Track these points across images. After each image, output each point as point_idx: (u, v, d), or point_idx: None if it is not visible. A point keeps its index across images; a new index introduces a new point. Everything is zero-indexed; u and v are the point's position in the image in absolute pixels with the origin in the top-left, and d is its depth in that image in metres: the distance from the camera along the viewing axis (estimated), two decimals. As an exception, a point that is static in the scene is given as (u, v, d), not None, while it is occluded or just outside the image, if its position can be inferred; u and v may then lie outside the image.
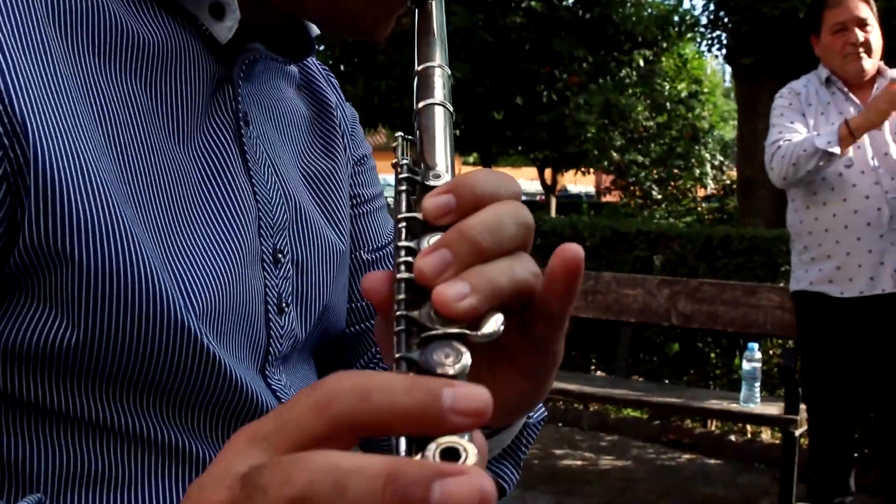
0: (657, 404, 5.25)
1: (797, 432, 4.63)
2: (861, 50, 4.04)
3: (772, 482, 5.31)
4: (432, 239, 0.59)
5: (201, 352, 0.77)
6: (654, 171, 11.00)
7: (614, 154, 10.75)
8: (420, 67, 0.73)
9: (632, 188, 11.04)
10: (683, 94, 13.09)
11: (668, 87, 12.38)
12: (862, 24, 4.03)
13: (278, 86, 0.99)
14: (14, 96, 0.67)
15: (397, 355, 0.55)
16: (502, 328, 0.58)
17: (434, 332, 0.55)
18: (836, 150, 3.84)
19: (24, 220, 0.68)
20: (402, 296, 0.58)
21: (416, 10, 0.79)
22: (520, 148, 17.99)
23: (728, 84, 15.23)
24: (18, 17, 0.70)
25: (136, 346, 0.73)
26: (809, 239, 4.13)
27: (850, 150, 3.91)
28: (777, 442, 5.62)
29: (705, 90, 14.89)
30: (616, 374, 6.22)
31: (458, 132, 15.81)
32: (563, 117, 12.63)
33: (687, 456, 6.10)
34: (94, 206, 0.70)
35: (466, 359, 0.54)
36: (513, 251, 0.60)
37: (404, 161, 0.66)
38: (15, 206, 0.68)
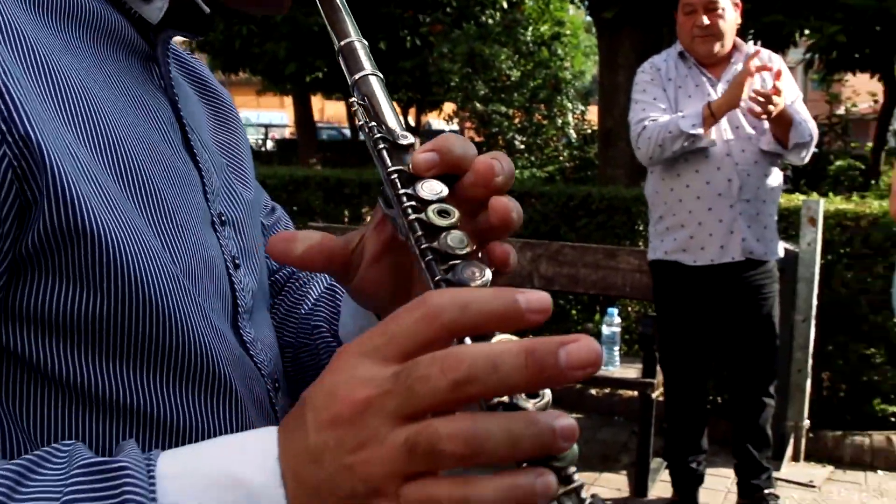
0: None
1: (654, 394, 4.81)
2: (706, 33, 4.13)
3: (630, 437, 5.51)
4: (424, 184, 0.75)
5: (192, 309, 0.82)
6: (517, 121, 11.07)
7: (478, 105, 10.76)
8: (343, 43, 0.87)
9: (496, 138, 11.09)
10: (546, 36, 13.15)
11: (530, 30, 12.39)
12: (710, 7, 4.11)
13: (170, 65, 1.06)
14: (5, 84, 0.69)
15: (437, 278, 0.69)
16: None
17: (461, 253, 0.70)
18: (701, 131, 3.95)
19: (39, 203, 0.70)
20: (419, 232, 0.72)
21: None
22: (384, 90, 17.81)
23: (590, 18, 15.42)
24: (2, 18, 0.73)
25: (146, 307, 0.77)
26: (664, 209, 4.25)
27: None
28: (636, 394, 5.81)
29: (567, 32, 14.99)
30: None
31: (321, 75, 15.72)
32: (426, 64, 12.57)
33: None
34: (86, 185, 0.73)
35: (488, 273, 0.69)
36: None
37: (372, 124, 0.81)
38: (24, 189, 0.70)
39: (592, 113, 11.82)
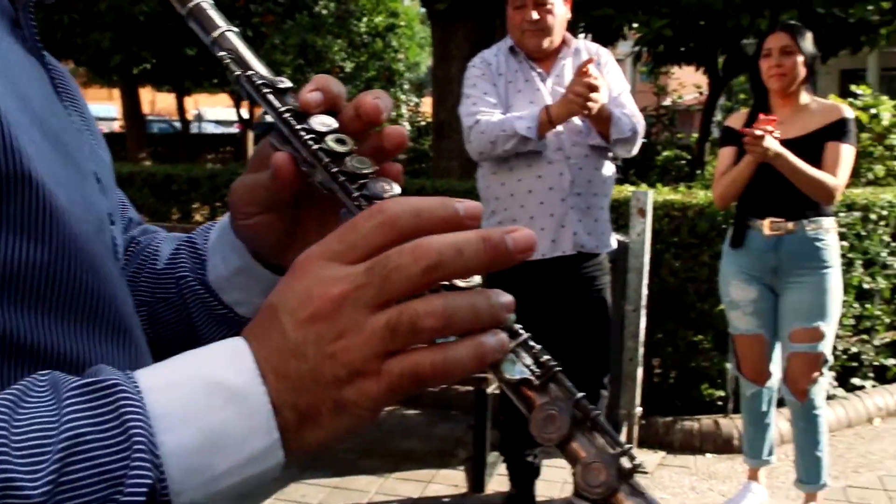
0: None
1: (489, 389, 4.79)
2: (535, 28, 4.12)
3: (466, 431, 5.49)
4: (314, 119, 0.82)
5: (107, 261, 0.87)
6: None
7: (311, 97, 10.61)
8: (191, 5, 0.91)
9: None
10: (381, 28, 13.09)
11: (364, 21, 12.31)
12: (539, 2, 4.08)
13: None
14: None
15: (355, 195, 0.76)
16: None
17: (367, 172, 0.78)
18: (534, 135, 3.92)
19: None
20: (326, 160, 0.79)
21: None
22: (215, 81, 17.49)
23: (424, 9, 15.49)
24: None
25: (77, 256, 0.79)
26: (496, 203, 4.21)
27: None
28: (471, 389, 5.80)
29: (402, 23, 14.97)
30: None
31: (149, 66, 15.25)
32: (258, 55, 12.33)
33: (387, 408, 6.18)
34: (22, 133, 0.75)
35: (396, 187, 0.78)
36: None
37: (249, 72, 0.88)
38: None
39: (427, 104, 11.83)
